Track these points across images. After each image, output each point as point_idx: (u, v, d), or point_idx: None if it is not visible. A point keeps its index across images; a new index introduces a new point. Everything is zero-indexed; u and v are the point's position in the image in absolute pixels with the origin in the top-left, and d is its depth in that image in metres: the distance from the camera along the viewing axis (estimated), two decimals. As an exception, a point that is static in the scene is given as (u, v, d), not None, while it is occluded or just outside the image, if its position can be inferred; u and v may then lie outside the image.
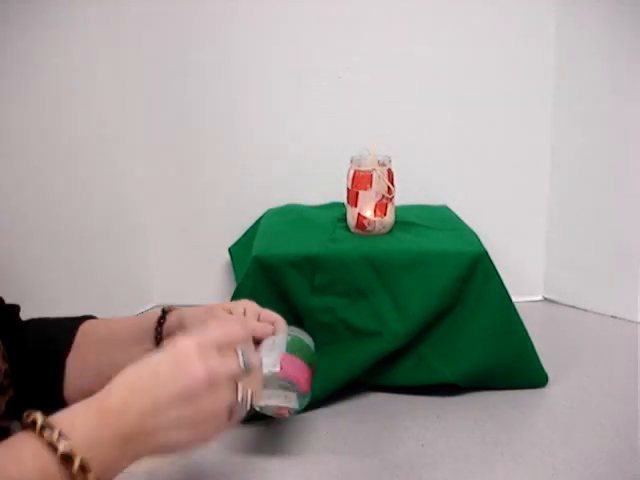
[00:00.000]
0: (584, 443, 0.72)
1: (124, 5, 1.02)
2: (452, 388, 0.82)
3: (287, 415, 0.67)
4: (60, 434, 0.46)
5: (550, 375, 0.85)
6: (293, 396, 0.66)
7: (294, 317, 0.84)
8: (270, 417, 0.78)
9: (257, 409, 0.66)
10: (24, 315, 0.78)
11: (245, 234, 1.07)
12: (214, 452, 0.72)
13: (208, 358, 0.52)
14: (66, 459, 0.45)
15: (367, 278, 0.83)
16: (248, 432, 0.76)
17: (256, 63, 1.06)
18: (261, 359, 0.61)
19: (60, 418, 0.48)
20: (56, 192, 0.98)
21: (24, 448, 0.46)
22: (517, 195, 1.12)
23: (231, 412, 0.53)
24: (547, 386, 0.84)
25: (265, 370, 0.63)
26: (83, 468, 0.46)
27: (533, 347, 0.84)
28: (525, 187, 1.11)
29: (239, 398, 0.53)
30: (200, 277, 1.13)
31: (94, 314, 0.78)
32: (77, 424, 0.48)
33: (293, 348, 0.68)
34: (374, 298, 0.83)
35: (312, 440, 0.74)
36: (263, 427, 0.77)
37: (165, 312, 0.72)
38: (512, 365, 0.84)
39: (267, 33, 1.05)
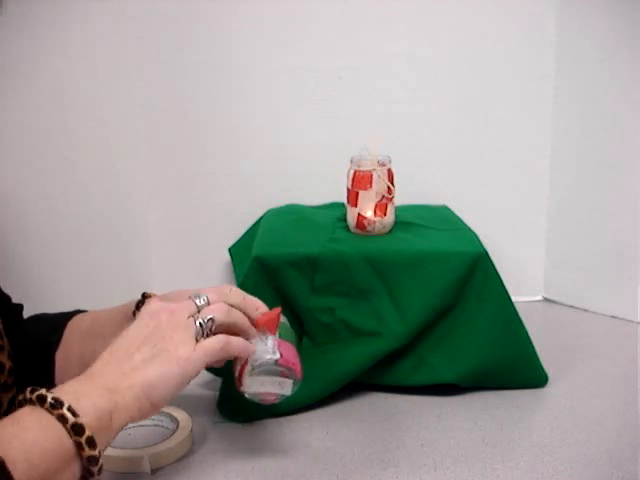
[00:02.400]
0: (584, 443, 0.72)
1: (124, 5, 1.02)
2: (452, 388, 0.82)
3: (275, 401, 0.66)
4: (69, 408, 0.49)
5: (550, 375, 0.85)
6: (289, 383, 0.65)
7: (294, 317, 0.84)
8: (270, 417, 0.78)
9: (246, 396, 0.65)
10: (24, 315, 0.78)
11: (245, 234, 1.07)
12: (214, 452, 0.72)
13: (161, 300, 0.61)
14: (75, 430, 0.49)
15: (367, 278, 0.83)
16: (248, 432, 0.76)
17: (256, 63, 1.06)
18: (254, 345, 0.63)
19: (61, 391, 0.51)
20: (56, 192, 0.98)
21: (33, 421, 0.48)
22: (517, 195, 1.12)
23: (197, 340, 0.58)
24: (547, 386, 0.84)
25: (265, 357, 0.63)
26: (90, 439, 0.49)
27: (533, 347, 0.84)
28: (525, 187, 1.11)
29: (201, 316, 0.59)
30: (200, 277, 1.13)
31: (94, 314, 0.78)
32: (66, 387, 0.52)
33: (283, 333, 0.67)
34: (374, 298, 0.83)
35: (312, 440, 0.74)
36: (263, 427, 0.77)
37: (145, 297, 0.73)
38: (512, 365, 0.83)
39: (267, 33, 1.05)
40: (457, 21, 1.05)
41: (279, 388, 0.65)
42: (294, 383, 0.65)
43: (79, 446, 0.49)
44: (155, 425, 0.77)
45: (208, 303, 0.62)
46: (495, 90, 1.08)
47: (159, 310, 0.60)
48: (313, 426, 0.77)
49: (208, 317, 0.60)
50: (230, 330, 0.62)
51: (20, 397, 0.50)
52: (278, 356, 0.64)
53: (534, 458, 0.70)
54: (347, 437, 0.75)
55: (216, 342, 0.59)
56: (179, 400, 0.79)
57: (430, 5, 1.05)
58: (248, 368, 0.63)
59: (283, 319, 0.70)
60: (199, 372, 0.58)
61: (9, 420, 0.49)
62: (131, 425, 0.75)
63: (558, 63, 1.05)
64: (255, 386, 0.64)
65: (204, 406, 0.81)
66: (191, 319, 0.59)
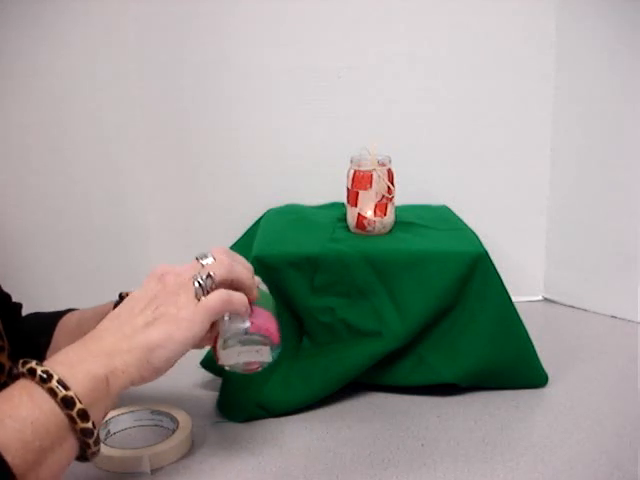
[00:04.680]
0: (584, 443, 0.72)
1: (124, 5, 1.02)
2: (452, 388, 0.82)
3: (258, 369, 0.65)
4: (59, 381, 0.48)
5: (550, 375, 0.85)
6: (267, 350, 0.63)
7: (294, 317, 0.84)
8: (270, 417, 0.78)
9: (227, 369, 0.64)
10: (23, 314, 0.78)
11: (245, 234, 1.07)
12: (214, 452, 0.72)
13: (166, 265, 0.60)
14: (66, 403, 0.48)
15: (367, 278, 0.83)
16: (248, 432, 0.76)
17: (256, 63, 1.06)
18: (228, 315, 0.61)
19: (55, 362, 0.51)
20: (56, 192, 0.99)
21: (25, 396, 0.47)
22: (517, 195, 1.12)
23: (198, 299, 0.57)
24: (547, 386, 0.84)
25: (233, 328, 0.61)
26: (82, 411, 0.48)
27: (533, 347, 0.84)
28: (525, 187, 1.11)
29: (200, 274, 0.58)
30: (200, 277, 1.13)
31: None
32: (61, 356, 0.52)
33: (261, 300, 0.66)
34: (374, 298, 0.83)
35: (312, 440, 0.74)
36: (263, 427, 0.77)
37: (122, 296, 0.74)
38: (512, 365, 0.83)
39: (267, 33, 1.05)
40: (457, 21, 1.05)
41: (258, 356, 0.63)
42: (272, 349, 0.63)
43: (71, 419, 0.48)
44: (155, 425, 0.77)
45: (214, 261, 0.61)
46: (495, 90, 1.08)
47: (164, 273, 0.59)
48: (313, 426, 0.77)
49: (206, 274, 0.58)
50: (233, 287, 0.61)
51: (14, 370, 0.50)
52: (248, 324, 0.62)
53: (534, 458, 0.70)
54: (347, 437, 0.75)
55: (217, 298, 0.58)
56: (179, 400, 0.79)
57: (430, 5, 1.05)
58: (220, 341, 0.62)
59: (262, 286, 0.68)
60: (204, 332, 0.57)
61: (1, 397, 0.47)
62: (131, 425, 0.76)
63: (558, 63, 1.05)
64: (232, 358, 0.62)
65: (204, 406, 0.81)
66: (192, 280, 0.58)
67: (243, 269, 0.62)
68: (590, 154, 1.05)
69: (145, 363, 0.54)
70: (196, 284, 0.58)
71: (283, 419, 0.78)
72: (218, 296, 0.58)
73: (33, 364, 0.49)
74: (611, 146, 1.02)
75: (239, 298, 0.60)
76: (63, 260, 1.00)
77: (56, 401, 0.47)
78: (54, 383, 0.47)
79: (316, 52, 1.06)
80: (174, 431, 0.73)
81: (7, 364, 0.67)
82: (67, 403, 0.47)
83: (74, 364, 0.50)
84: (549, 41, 1.05)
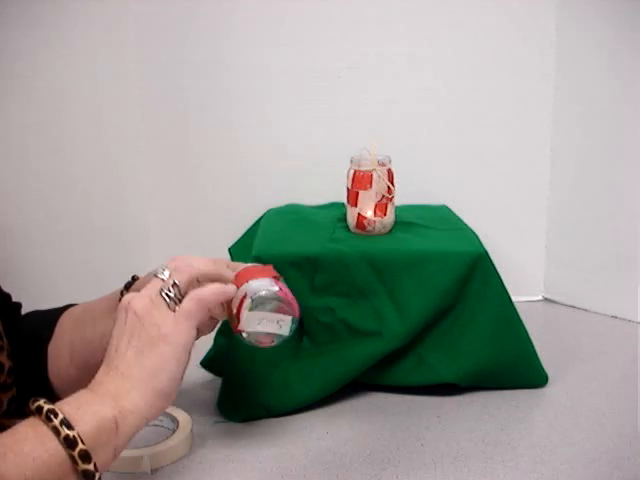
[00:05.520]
0: (584, 443, 0.72)
1: (124, 5, 1.02)
2: (452, 388, 0.82)
3: (272, 344, 0.63)
4: (63, 421, 0.48)
5: (550, 375, 0.85)
6: (288, 320, 0.62)
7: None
8: (270, 417, 0.78)
9: (244, 336, 0.62)
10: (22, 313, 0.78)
11: (245, 234, 1.07)
12: (214, 452, 0.72)
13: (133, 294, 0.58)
14: (69, 443, 0.47)
15: (367, 278, 0.83)
16: (248, 432, 0.76)
17: (256, 63, 1.06)
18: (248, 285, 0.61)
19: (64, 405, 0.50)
20: (56, 192, 0.98)
21: (30, 432, 0.48)
22: (517, 195, 1.12)
23: (173, 310, 0.56)
24: (547, 386, 0.84)
25: (263, 289, 0.61)
26: (84, 453, 0.48)
27: (533, 347, 0.84)
28: (525, 187, 1.11)
29: (162, 287, 0.57)
30: (200, 277, 1.13)
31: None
32: (69, 398, 0.52)
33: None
34: (374, 298, 0.83)
35: (312, 440, 0.74)
36: (263, 427, 0.77)
37: (134, 279, 0.74)
38: (512, 365, 0.83)
39: (267, 33, 1.05)
40: (457, 21, 1.05)
41: (277, 327, 0.62)
42: (292, 321, 0.62)
43: (73, 459, 0.47)
44: (155, 425, 0.77)
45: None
46: (495, 90, 1.08)
47: (129, 301, 0.57)
48: (313, 426, 0.77)
49: (170, 284, 0.57)
50: (206, 282, 0.60)
51: (26, 408, 0.50)
52: (277, 288, 0.61)
53: (534, 458, 0.70)
54: (347, 437, 0.75)
55: (189, 302, 0.57)
56: (179, 400, 0.79)
57: (430, 5, 1.05)
58: (247, 301, 0.61)
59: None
60: (194, 340, 0.57)
61: (8, 431, 0.48)
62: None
63: (558, 63, 1.05)
64: (253, 323, 0.61)
65: (204, 406, 0.81)
66: (158, 295, 0.57)
67: (199, 260, 0.62)
68: (590, 154, 1.05)
69: (152, 393, 0.53)
70: (164, 297, 0.57)
71: (283, 419, 0.78)
72: (190, 298, 0.57)
73: (41, 402, 0.49)
74: (611, 146, 1.02)
75: (210, 292, 0.58)
76: (63, 260, 1.00)
77: (59, 440, 0.47)
78: (58, 421, 0.47)
79: (316, 52, 1.06)
80: (174, 431, 0.73)
81: (7, 364, 0.67)
82: (69, 443, 0.47)
83: (81, 405, 0.50)
84: (549, 41, 1.05)
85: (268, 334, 0.62)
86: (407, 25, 1.06)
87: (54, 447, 0.47)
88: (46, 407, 0.48)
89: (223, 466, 0.70)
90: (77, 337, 0.71)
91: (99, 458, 0.49)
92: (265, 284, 0.62)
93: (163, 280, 0.58)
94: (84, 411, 0.50)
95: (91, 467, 0.48)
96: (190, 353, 0.56)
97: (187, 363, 0.56)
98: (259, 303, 0.61)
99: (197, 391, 0.85)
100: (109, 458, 0.51)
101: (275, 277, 0.64)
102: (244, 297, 0.61)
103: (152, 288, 0.58)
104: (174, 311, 0.56)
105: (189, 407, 0.78)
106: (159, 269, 0.60)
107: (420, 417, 0.78)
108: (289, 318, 0.62)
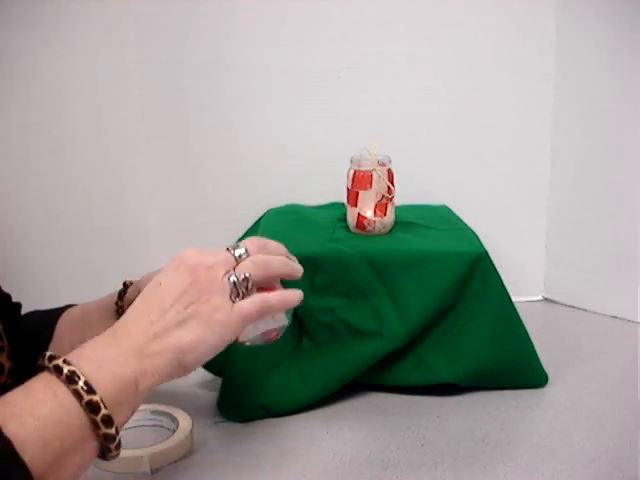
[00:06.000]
0: (584, 443, 0.72)
1: (124, 5, 1.02)
2: (452, 388, 0.82)
3: (278, 336, 0.63)
4: (86, 384, 0.46)
5: (550, 375, 0.85)
6: (281, 313, 0.61)
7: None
8: (270, 417, 0.78)
9: (247, 344, 0.61)
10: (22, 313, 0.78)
11: (245, 234, 1.07)
12: (214, 452, 0.72)
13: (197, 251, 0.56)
14: (91, 407, 0.46)
15: (367, 278, 0.83)
16: (248, 432, 0.76)
17: (256, 63, 1.06)
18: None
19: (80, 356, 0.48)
20: (56, 192, 0.98)
21: (48, 393, 0.46)
22: (517, 195, 1.12)
23: (232, 300, 0.54)
24: (547, 386, 0.84)
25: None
26: (107, 417, 0.46)
27: (533, 347, 0.84)
28: (525, 187, 1.11)
29: (235, 274, 0.54)
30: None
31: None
32: (88, 351, 0.49)
33: None
34: (374, 298, 0.83)
35: (312, 440, 0.74)
36: (263, 427, 0.77)
37: (126, 285, 0.74)
38: (512, 365, 0.83)
39: (267, 33, 1.05)
40: (457, 21, 1.05)
41: (274, 322, 0.61)
42: (287, 313, 0.62)
43: (95, 424, 0.46)
44: (155, 425, 0.77)
45: (247, 254, 0.57)
46: (495, 90, 1.08)
47: (195, 265, 0.54)
48: (313, 426, 0.77)
49: (243, 275, 0.55)
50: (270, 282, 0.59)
51: (39, 362, 0.48)
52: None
53: (534, 458, 0.70)
54: (347, 437, 0.75)
55: (253, 306, 0.55)
56: (179, 400, 0.79)
57: (430, 5, 1.05)
58: None
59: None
60: (235, 337, 0.55)
61: (22, 391, 0.46)
62: (131, 425, 0.76)
63: (558, 63, 1.05)
64: (250, 332, 0.60)
65: (204, 406, 0.81)
66: (226, 278, 0.55)
67: (279, 264, 0.59)
68: (590, 154, 1.05)
69: (176, 366, 0.52)
70: (231, 283, 0.54)
71: (283, 419, 0.78)
72: (255, 303, 0.55)
73: (60, 362, 0.46)
74: (611, 146, 1.02)
75: (277, 298, 0.57)
76: (63, 260, 1.00)
77: (81, 404, 0.45)
78: (80, 385, 0.45)
79: (316, 52, 1.06)
80: (174, 431, 0.73)
81: (7, 364, 0.67)
82: (92, 407, 0.46)
83: (103, 363, 0.48)
84: (549, 41, 1.05)
85: (269, 330, 0.62)
86: (407, 25, 1.06)
87: (75, 410, 0.45)
88: (66, 368, 0.46)
89: (223, 466, 0.70)
90: (76, 339, 0.71)
91: (118, 419, 0.48)
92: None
93: (235, 259, 0.56)
94: (106, 371, 0.48)
95: (112, 431, 0.47)
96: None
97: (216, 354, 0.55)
98: None
99: (197, 391, 0.85)
100: (126, 418, 0.50)
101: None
102: None
103: (222, 264, 0.55)
104: (233, 301, 0.54)
105: (189, 407, 0.78)
106: (236, 245, 0.57)
107: (420, 417, 0.78)
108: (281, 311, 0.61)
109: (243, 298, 0.55)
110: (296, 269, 0.61)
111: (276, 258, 0.59)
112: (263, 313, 0.56)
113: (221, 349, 0.54)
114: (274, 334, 0.62)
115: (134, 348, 0.50)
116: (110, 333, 0.51)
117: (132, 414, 0.50)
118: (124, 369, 0.49)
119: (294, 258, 0.63)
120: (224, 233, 1.07)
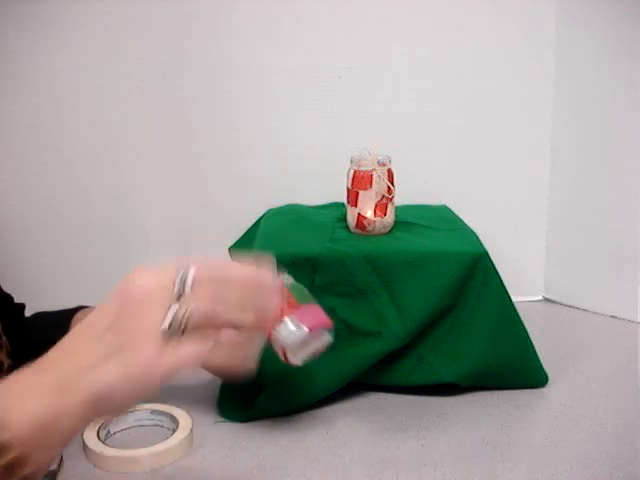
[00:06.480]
0: (584, 443, 0.72)
1: (124, 5, 1.02)
2: (452, 388, 0.82)
3: (324, 350, 0.66)
4: None
5: (550, 375, 0.85)
6: (327, 334, 0.65)
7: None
8: (270, 417, 0.78)
9: (300, 365, 0.65)
10: (26, 314, 0.78)
11: (245, 234, 1.07)
12: (214, 452, 0.72)
13: (140, 275, 0.47)
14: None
15: (367, 278, 0.83)
16: (248, 432, 0.76)
17: (256, 63, 1.06)
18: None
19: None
20: (56, 192, 0.99)
21: None
22: (517, 195, 1.12)
23: (165, 335, 0.45)
24: (547, 386, 0.84)
25: (293, 338, 0.62)
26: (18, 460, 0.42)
27: (533, 347, 0.84)
28: (525, 187, 1.11)
29: (172, 308, 0.46)
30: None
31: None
32: (11, 381, 0.45)
33: (296, 294, 0.66)
34: (374, 298, 0.83)
35: (312, 440, 0.74)
36: (263, 427, 0.77)
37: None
38: (512, 365, 0.84)
39: (267, 33, 1.05)
40: (457, 21, 1.05)
41: (320, 343, 0.65)
42: (329, 331, 0.66)
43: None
44: (155, 425, 0.77)
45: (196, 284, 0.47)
46: (495, 90, 1.08)
47: (132, 288, 0.46)
48: (313, 426, 0.77)
49: (184, 312, 0.46)
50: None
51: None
52: (306, 330, 0.63)
53: (534, 458, 0.70)
54: (347, 437, 0.75)
55: (192, 352, 0.46)
56: (179, 400, 0.79)
57: (430, 5, 1.05)
58: (289, 353, 0.64)
59: (287, 279, 0.67)
60: (169, 381, 0.47)
61: None
62: (131, 425, 0.76)
63: (558, 63, 1.05)
64: (302, 356, 0.64)
65: (204, 406, 0.81)
66: (164, 309, 0.46)
67: (233, 310, 0.48)
68: (590, 154, 1.05)
69: (90, 409, 0.45)
70: (170, 320, 0.46)
71: (283, 419, 0.78)
72: (194, 351, 0.46)
73: None
74: (611, 146, 1.02)
75: (204, 356, 0.47)
76: (64, 260, 1.00)
77: None
78: None
79: (316, 52, 1.06)
80: (174, 431, 0.73)
81: (6, 362, 0.67)
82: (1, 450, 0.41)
83: (21, 394, 0.44)
84: (549, 41, 1.05)
85: (317, 349, 0.66)
86: (407, 25, 1.06)
87: None
88: None
89: (223, 466, 0.70)
90: None
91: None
92: (292, 329, 0.63)
93: (180, 285, 0.47)
94: (22, 405, 0.43)
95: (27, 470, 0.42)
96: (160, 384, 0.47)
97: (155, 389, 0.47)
98: (299, 348, 0.64)
99: (197, 391, 0.85)
100: (46, 460, 0.45)
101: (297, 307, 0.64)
102: (284, 350, 0.63)
103: (162, 292, 0.46)
104: (169, 338, 0.46)
105: (189, 407, 0.78)
106: (182, 266, 0.48)
107: (420, 417, 0.79)
108: (326, 332, 0.65)
109: (181, 337, 0.46)
110: (264, 301, 0.50)
111: (230, 304, 0.48)
112: (203, 361, 0.48)
113: (152, 394, 0.47)
114: (322, 349, 0.66)
115: (58, 380, 0.45)
116: (39, 363, 0.46)
117: (50, 458, 0.45)
118: (43, 402, 0.44)
119: (269, 274, 0.52)
120: (224, 233, 1.07)
